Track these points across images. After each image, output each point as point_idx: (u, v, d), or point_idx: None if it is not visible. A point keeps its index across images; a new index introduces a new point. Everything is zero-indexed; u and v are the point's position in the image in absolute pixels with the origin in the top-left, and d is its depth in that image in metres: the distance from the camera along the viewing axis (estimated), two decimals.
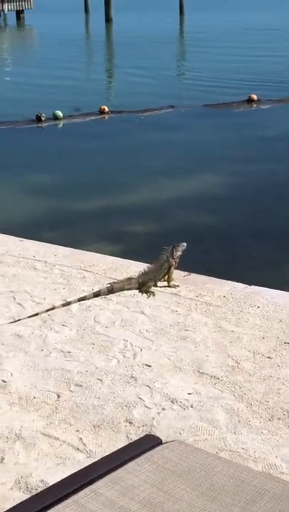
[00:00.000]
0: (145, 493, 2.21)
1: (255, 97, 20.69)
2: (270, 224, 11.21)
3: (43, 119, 18.56)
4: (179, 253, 6.20)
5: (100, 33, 40.64)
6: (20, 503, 2.24)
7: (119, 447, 3.07)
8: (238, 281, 6.35)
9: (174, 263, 6.17)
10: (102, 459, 2.84)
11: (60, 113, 19.01)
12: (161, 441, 2.68)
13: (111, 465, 2.86)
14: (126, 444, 3.11)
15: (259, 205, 12.23)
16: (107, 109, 19.54)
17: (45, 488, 2.71)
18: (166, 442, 2.63)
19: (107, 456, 2.86)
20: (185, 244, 6.24)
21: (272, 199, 12.55)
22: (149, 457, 2.55)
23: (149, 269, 6.16)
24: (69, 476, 2.53)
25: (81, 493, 2.22)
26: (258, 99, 20.69)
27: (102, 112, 19.51)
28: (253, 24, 41.74)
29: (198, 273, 6.55)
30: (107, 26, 42.47)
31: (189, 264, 6.93)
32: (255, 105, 20.60)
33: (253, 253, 9.89)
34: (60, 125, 18.81)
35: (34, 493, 2.91)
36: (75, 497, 2.19)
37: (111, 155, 15.68)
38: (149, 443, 2.97)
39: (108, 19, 43.17)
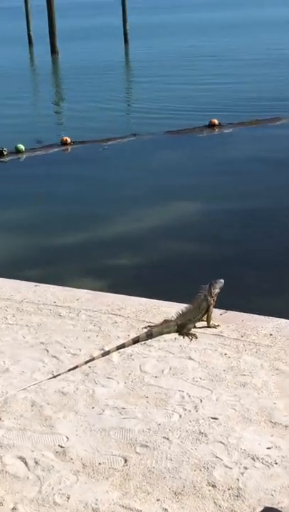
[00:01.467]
0: None
1: (216, 121, 20.50)
2: (255, 248, 10.92)
3: (5, 153, 18.11)
4: (217, 290, 5.84)
5: (47, 65, 40.06)
6: None
7: None
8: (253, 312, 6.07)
9: (212, 302, 5.80)
10: None
11: (22, 146, 18.55)
12: None
13: None
14: None
15: (241, 228, 11.96)
16: (69, 140, 19.10)
17: None
18: None
19: None
20: (222, 281, 5.89)
21: (250, 221, 12.25)
22: None
23: (186, 309, 5.79)
24: None
25: None
26: (219, 124, 20.52)
27: (64, 143, 19.06)
28: (199, 49, 41.79)
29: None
30: (53, 58, 41.90)
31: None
32: (217, 129, 20.40)
33: (246, 281, 9.57)
34: (23, 158, 18.35)
35: None
36: None
37: (80, 186, 15.23)
38: None
39: (54, 51, 42.32)
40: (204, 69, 33.58)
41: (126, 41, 45.39)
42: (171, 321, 5.74)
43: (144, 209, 13.36)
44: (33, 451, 4.29)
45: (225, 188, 14.46)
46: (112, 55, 41.33)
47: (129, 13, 45.02)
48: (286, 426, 4.40)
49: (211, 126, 20.43)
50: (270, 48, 39.75)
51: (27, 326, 5.99)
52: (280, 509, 2.82)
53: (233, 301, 6.53)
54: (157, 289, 8.68)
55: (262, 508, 2.74)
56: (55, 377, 5.13)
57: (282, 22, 53.91)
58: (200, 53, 39.73)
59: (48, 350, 5.53)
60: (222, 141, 19.33)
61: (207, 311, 5.79)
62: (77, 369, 5.22)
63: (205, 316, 5.79)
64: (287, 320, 5.85)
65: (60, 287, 6.85)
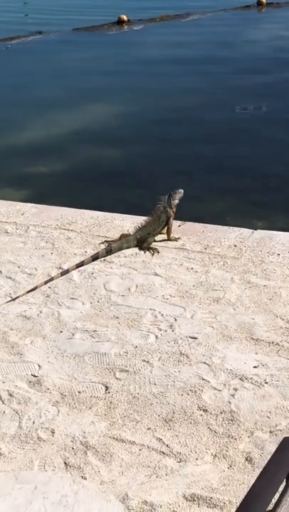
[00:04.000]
0: None
1: (124, 17, 19.69)
2: (179, 148, 10.51)
3: None
4: (176, 201, 5.54)
5: None
6: None
7: (269, 460, 2.52)
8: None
9: (172, 213, 5.50)
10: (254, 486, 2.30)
11: None
12: None
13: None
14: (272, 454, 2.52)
15: (162, 129, 11.47)
16: None
17: None
18: None
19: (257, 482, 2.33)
20: (182, 190, 5.57)
21: (177, 121, 11.80)
22: None
23: (145, 222, 5.47)
24: None
25: None
26: (129, 20, 19.73)
27: None
28: None
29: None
30: None
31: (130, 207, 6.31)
32: (126, 26, 19.66)
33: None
34: None
35: None
36: None
37: None
38: None
39: None
40: None
41: None
42: (130, 235, 5.43)
43: (59, 113, 12.62)
44: (4, 383, 3.97)
45: (140, 87, 13.87)
46: None
47: None
48: (269, 342, 4.21)
49: (120, 22, 19.62)
50: None
51: None
52: None
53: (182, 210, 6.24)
54: (84, 198, 8.20)
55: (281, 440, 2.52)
56: (13, 299, 4.78)
57: None
58: None
59: (0, 271, 5.14)
60: (132, 38, 18.62)
61: (167, 223, 5.49)
62: (36, 290, 4.86)
63: (165, 229, 5.49)
64: (249, 229, 5.61)
65: (1, 201, 6.39)
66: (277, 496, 2.28)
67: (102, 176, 9.73)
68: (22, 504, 2.00)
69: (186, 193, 5.63)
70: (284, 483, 2.33)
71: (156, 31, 19.04)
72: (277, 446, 2.51)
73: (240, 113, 11.92)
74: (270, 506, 2.24)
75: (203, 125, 11.24)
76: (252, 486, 2.32)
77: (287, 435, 3.42)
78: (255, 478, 2.13)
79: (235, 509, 2.75)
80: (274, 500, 2.15)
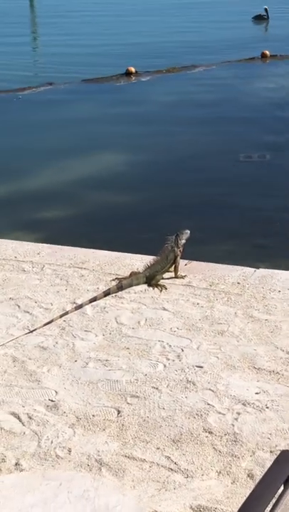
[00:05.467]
0: None
1: (132, 69, 20.21)
2: (184, 193, 10.87)
3: None
4: (183, 241, 5.87)
5: None
6: None
7: (265, 473, 2.77)
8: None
9: (179, 252, 5.83)
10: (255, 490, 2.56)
11: None
12: None
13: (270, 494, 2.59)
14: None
15: (168, 176, 11.88)
16: None
17: None
18: None
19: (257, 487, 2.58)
20: (188, 231, 5.91)
21: (182, 169, 12.21)
22: None
23: (154, 261, 5.80)
24: None
25: None
26: (136, 72, 20.29)
27: None
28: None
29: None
30: None
31: (139, 248, 6.62)
32: (134, 78, 20.19)
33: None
34: None
35: None
36: None
37: None
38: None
39: None
40: (118, 16, 33.08)
41: None
42: (139, 272, 5.74)
43: (69, 160, 13.02)
44: (23, 407, 4.25)
45: (146, 137, 14.31)
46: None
47: None
48: (270, 371, 4.49)
49: (128, 74, 20.17)
50: None
51: None
52: None
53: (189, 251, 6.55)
54: (96, 240, 8.52)
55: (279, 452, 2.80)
56: (31, 332, 5.08)
57: None
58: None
59: (19, 306, 5.46)
60: (140, 89, 19.12)
61: (174, 261, 5.81)
62: (52, 323, 5.17)
63: (172, 267, 5.81)
64: (251, 268, 5.93)
65: (19, 242, 6.73)
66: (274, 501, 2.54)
67: (113, 219, 10.12)
68: (49, 497, 2.28)
69: (192, 234, 5.96)
70: (282, 487, 2.60)
71: (163, 83, 19.55)
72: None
73: (245, 161, 12.32)
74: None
75: (208, 172, 11.65)
76: (252, 491, 2.59)
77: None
78: None
79: None
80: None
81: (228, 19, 29.75)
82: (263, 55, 21.45)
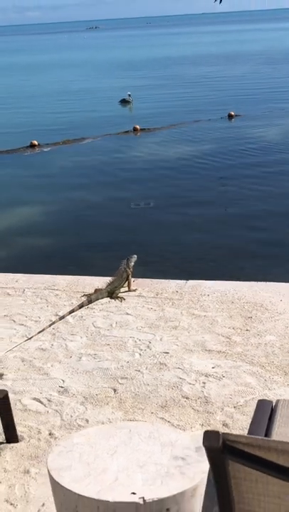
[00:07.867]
0: None
1: (35, 142, 20.56)
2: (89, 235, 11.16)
3: None
4: (132, 263, 6.16)
5: None
6: None
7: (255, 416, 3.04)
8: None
9: (130, 272, 6.11)
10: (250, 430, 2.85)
11: None
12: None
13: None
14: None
15: (77, 222, 12.06)
16: None
17: None
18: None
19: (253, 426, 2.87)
20: (136, 256, 6.20)
21: (87, 215, 12.43)
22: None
23: (112, 279, 6.04)
24: None
25: None
26: (39, 144, 20.55)
27: None
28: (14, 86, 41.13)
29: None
30: None
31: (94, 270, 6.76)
32: (37, 149, 20.42)
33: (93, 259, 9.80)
34: None
35: None
36: None
37: None
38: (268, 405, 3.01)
39: None
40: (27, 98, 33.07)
41: None
42: (102, 289, 5.97)
43: None
44: (41, 393, 4.39)
45: (54, 193, 14.36)
46: None
47: None
48: (218, 351, 4.82)
49: (32, 146, 20.38)
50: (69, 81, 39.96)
51: None
52: (270, 400, 3.20)
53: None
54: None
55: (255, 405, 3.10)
56: (29, 338, 5.20)
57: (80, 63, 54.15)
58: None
59: (14, 320, 5.56)
60: (43, 158, 19.22)
61: (127, 279, 6.08)
62: (44, 331, 5.31)
63: (126, 284, 6.08)
64: (183, 280, 6.27)
65: None
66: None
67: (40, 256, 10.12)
68: (126, 440, 2.50)
69: (138, 257, 6.28)
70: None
71: (62, 152, 19.77)
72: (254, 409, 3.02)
73: (133, 208, 12.74)
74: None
75: (107, 218, 12.00)
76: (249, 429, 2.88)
77: (249, 407, 4.02)
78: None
79: None
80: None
81: (100, 102, 30.56)
82: (135, 129, 22.16)
